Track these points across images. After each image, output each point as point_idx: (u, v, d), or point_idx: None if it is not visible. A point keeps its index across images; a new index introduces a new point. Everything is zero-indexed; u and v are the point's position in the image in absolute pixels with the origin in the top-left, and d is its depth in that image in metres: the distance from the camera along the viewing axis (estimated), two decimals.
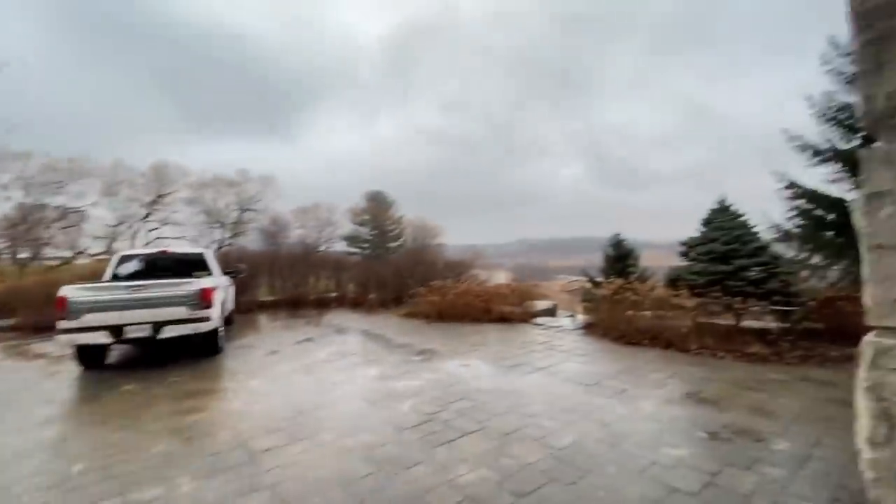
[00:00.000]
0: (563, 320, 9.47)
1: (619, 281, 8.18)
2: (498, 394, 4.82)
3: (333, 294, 14.47)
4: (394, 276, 13.85)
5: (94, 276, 9.90)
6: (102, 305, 5.99)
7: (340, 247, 39.13)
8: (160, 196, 31.48)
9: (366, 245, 41.33)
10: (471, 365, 6.08)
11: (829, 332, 6.49)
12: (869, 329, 0.73)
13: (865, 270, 0.74)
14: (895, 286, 0.68)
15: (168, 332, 6.24)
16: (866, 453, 0.72)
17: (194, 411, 4.53)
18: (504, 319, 9.58)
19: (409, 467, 3.25)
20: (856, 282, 7.26)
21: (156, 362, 6.59)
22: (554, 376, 5.45)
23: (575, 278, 11.23)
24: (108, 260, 9.60)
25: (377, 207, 42.48)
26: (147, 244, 30.48)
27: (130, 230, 31.51)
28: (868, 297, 0.73)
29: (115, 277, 7.67)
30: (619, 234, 13.34)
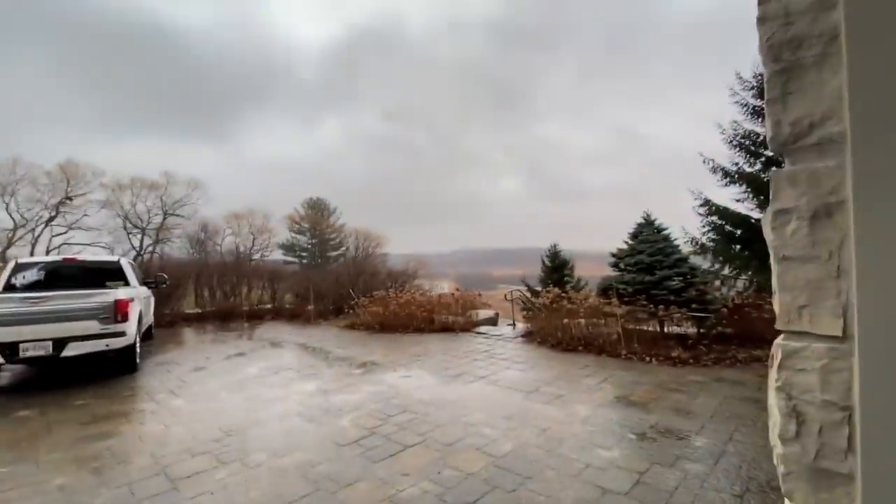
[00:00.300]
0: (504, 329, 9.68)
1: (556, 290, 8.53)
2: (440, 404, 4.80)
3: (268, 305, 13.76)
4: (334, 287, 13.46)
5: None
6: None
7: (277, 255, 37.38)
8: (68, 198, 28.39)
9: (304, 254, 39.87)
10: (413, 376, 6.01)
11: (738, 336, 7.18)
12: (778, 333, 0.80)
13: (774, 280, 0.81)
14: (800, 294, 0.75)
15: (73, 350, 5.57)
16: (778, 449, 0.78)
17: (104, 437, 4.06)
18: (447, 329, 9.61)
19: (348, 485, 3.12)
20: (759, 290, 8.12)
21: (59, 383, 5.86)
22: (495, 384, 5.52)
23: (516, 287, 11.55)
24: (0, 268, 8.43)
25: (317, 215, 41.21)
26: (51, 251, 27.28)
27: (31, 235, 28.07)
28: (777, 304, 0.80)
29: (10, 288, 6.75)
30: (556, 246, 13.95)
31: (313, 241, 40.77)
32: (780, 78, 0.77)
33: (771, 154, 9.05)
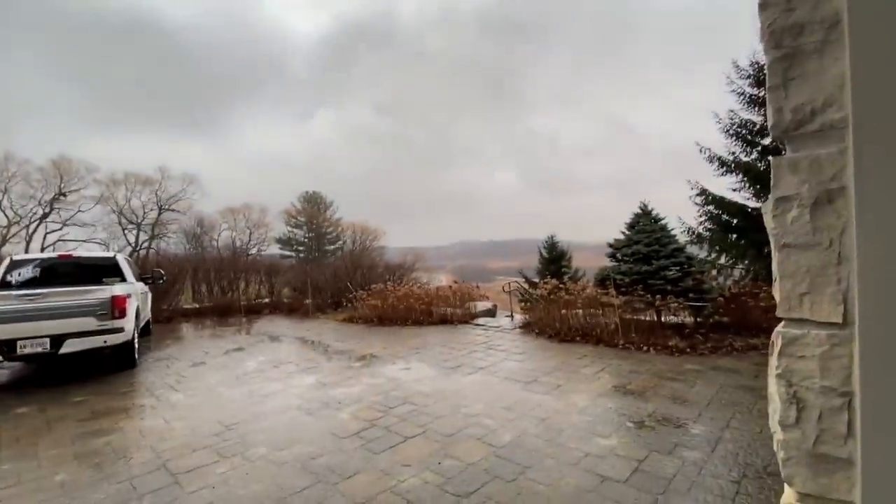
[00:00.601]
0: (502, 320, 9.71)
1: (554, 281, 8.55)
2: (439, 396, 4.82)
3: (266, 300, 13.76)
4: (332, 280, 13.46)
5: None
6: None
7: (273, 250, 37.31)
8: (62, 194, 28.17)
9: (301, 248, 39.76)
10: (412, 368, 6.03)
11: (735, 324, 7.22)
12: (776, 321, 0.80)
13: (775, 268, 0.81)
14: (801, 282, 0.75)
15: (71, 347, 5.56)
16: (778, 435, 0.78)
17: (104, 433, 4.07)
18: (445, 321, 9.64)
19: (349, 477, 3.14)
20: (756, 279, 8.16)
21: (57, 380, 5.85)
22: (494, 375, 5.55)
23: (513, 279, 11.57)
24: None
25: (313, 209, 41.04)
26: (46, 248, 27.09)
27: (26, 232, 27.88)
28: (777, 291, 0.80)
29: (6, 285, 6.71)
30: (553, 237, 13.97)
31: (310, 235, 40.66)
32: (782, 64, 0.76)
33: (768, 143, 8.99)
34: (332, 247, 39.79)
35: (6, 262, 7.19)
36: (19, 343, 5.33)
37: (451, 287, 11.36)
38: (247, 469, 3.30)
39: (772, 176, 0.79)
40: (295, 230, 40.56)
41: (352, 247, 36.54)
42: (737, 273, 9.12)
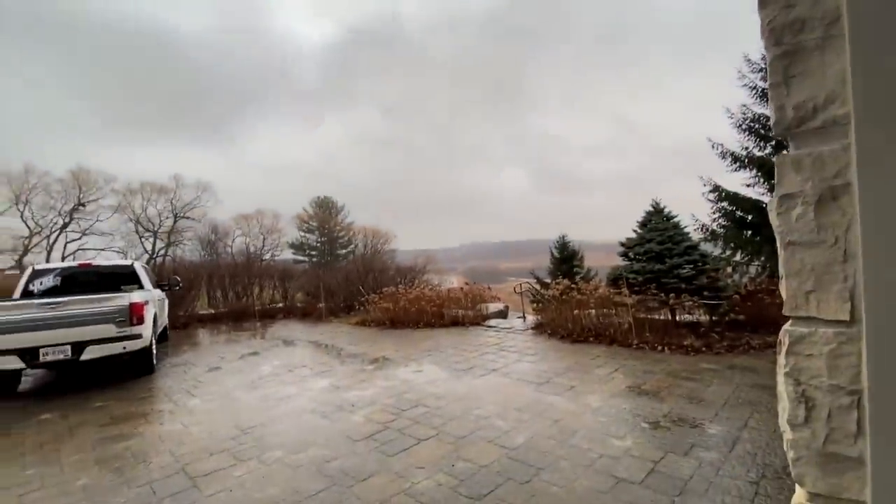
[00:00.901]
0: (514, 321, 9.67)
1: (566, 281, 8.50)
2: (452, 398, 4.82)
3: (280, 304, 13.90)
4: (344, 284, 13.55)
5: (0, 293, 8.85)
6: (12, 326, 5.37)
7: (287, 255, 37.74)
8: (81, 204, 28.86)
9: (314, 252, 40.12)
10: (424, 370, 6.05)
11: (751, 322, 7.09)
12: (786, 319, 0.80)
13: (781, 266, 0.80)
14: (807, 279, 0.74)
15: (91, 353, 5.69)
16: (787, 434, 0.78)
17: (124, 437, 4.15)
18: (457, 323, 9.64)
19: (363, 479, 3.16)
20: (772, 276, 8.01)
21: (78, 387, 6.00)
22: (506, 377, 5.54)
23: (525, 280, 11.53)
24: (17, 275, 8.64)
25: (325, 213, 41.40)
26: (66, 257, 27.79)
27: (47, 242, 28.62)
28: (784, 289, 0.80)
29: (28, 294, 6.91)
30: (564, 237, 13.88)
31: (322, 239, 41.01)
32: (783, 62, 0.76)
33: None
34: (344, 251, 40.07)
35: (28, 271, 7.40)
36: (42, 350, 5.48)
37: (462, 289, 11.36)
38: (263, 472, 3.34)
39: (776, 174, 0.79)
40: (307, 235, 40.95)
41: (363, 250, 36.77)
42: (752, 270, 8.95)
